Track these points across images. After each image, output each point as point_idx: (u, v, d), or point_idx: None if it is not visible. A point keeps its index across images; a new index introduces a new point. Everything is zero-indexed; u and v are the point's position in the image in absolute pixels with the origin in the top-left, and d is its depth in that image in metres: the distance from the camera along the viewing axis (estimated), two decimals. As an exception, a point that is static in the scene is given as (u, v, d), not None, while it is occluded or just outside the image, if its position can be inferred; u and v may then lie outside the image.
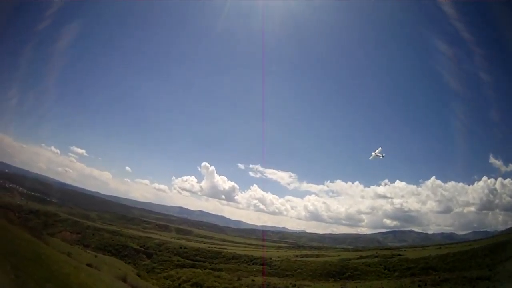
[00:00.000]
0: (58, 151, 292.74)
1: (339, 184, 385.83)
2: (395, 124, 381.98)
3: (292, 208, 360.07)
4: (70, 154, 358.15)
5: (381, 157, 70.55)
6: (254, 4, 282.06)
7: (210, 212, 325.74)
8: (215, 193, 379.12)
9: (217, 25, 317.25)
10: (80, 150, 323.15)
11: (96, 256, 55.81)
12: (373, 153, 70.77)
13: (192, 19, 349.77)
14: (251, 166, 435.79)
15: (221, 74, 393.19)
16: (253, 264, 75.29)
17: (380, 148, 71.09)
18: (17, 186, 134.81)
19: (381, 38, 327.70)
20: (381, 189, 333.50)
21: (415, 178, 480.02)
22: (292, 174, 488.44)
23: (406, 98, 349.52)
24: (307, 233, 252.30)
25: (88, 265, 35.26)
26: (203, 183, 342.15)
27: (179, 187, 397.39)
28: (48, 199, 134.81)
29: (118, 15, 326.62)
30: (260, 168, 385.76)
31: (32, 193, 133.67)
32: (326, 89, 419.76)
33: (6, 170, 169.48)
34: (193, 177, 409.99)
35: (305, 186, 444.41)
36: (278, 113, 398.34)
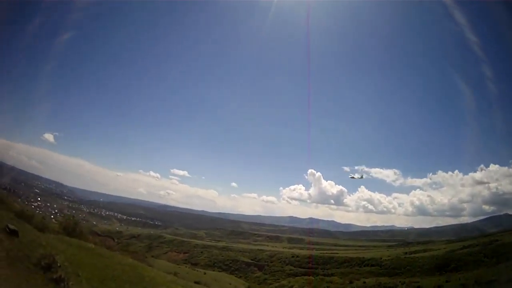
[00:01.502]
0: (158, 175, 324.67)
1: (440, 175, 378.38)
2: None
3: (399, 205, 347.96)
4: (171, 177, 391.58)
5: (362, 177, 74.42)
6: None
7: (320, 218, 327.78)
8: (323, 198, 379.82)
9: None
10: (181, 172, 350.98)
11: (205, 273, 55.64)
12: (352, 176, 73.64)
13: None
14: (356, 167, 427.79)
15: (313, 79, 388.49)
16: (364, 266, 74.17)
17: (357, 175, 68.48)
18: (115, 213, 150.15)
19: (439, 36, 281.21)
20: (478, 175, 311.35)
21: (506, 159, 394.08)
22: (397, 171, 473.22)
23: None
24: (414, 228, 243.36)
25: (197, 282, 33.37)
26: (311, 190, 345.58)
27: (288, 197, 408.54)
28: (151, 222, 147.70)
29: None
30: (366, 169, 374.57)
31: (133, 218, 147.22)
32: (416, 83, 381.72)
33: (101, 199, 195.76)
34: (300, 185, 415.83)
35: (410, 181, 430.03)
36: (373, 111, 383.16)
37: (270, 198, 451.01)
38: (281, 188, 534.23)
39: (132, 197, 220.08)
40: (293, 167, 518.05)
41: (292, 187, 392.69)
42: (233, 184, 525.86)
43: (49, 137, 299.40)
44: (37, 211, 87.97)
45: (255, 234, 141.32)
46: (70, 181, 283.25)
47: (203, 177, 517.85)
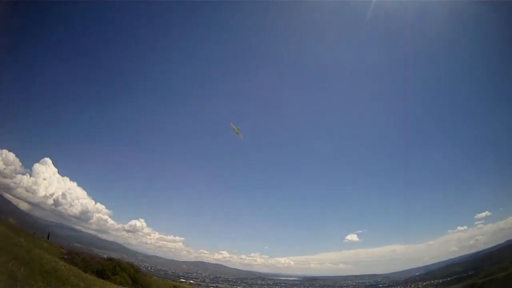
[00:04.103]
0: (465, 227, 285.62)
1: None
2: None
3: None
4: (476, 223, 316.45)
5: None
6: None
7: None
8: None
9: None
10: (483, 214, 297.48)
11: None
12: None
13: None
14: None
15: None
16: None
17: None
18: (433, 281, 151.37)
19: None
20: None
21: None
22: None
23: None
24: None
25: None
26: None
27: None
28: (465, 274, 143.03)
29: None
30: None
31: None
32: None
33: (417, 273, 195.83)
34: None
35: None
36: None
37: None
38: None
39: (445, 258, 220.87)
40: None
41: None
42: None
43: (353, 237, 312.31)
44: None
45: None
46: (383, 269, 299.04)
47: (501, 209, 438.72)
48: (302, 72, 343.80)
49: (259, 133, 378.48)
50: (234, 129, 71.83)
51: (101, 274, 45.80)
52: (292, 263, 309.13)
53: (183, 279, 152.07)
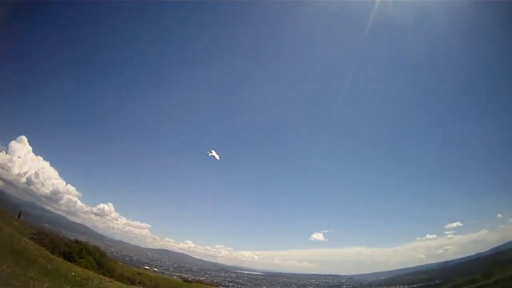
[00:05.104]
0: (435, 236, 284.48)
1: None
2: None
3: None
4: (446, 232, 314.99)
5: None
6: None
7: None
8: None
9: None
10: (454, 224, 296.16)
11: None
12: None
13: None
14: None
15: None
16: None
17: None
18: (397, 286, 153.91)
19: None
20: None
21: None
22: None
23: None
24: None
25: None
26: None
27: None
28: (432, 283, 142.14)
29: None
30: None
31: (414, 285, 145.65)
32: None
33: (382, 277, 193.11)
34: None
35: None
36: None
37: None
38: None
39: (412, 265, 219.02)
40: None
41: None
42: (499, 215, 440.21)
43: (318, 236, 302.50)
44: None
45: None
46: (348, 270, 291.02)
47: (474, 221, 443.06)
48: (300, 72, 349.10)
49: (233, 130, 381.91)
50: (210, 154, 74.83)
51: (68, 256, 46.21)
52: (256, 257, 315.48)
53: (147, 266, 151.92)
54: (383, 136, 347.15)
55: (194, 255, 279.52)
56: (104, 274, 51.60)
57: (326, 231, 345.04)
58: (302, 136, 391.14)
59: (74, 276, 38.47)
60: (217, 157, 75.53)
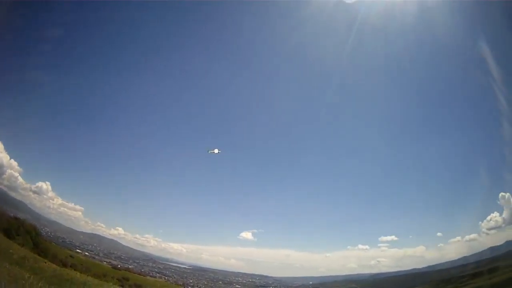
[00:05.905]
0: (367, 246, 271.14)
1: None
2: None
3: None
4: (380, 245, 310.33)
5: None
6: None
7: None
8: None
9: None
10: (389, 238, 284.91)
11: None
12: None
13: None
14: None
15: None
16: None
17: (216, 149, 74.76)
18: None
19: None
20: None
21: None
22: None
23: None
24: None
25: None
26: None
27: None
28: None
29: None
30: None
31: None
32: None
33: (310, 282, 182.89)
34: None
35: None
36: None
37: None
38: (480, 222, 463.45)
39: (343, 273, 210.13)
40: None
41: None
42: (439, 234, 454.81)
43: (247, 235, 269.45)
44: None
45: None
46: (276, 272, 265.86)
47: (410, 236, 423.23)
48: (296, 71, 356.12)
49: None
50: (209, 151, 73.85)
51: (7, 233, 48.86)
52: (184, 250, 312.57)
53: (79, 249, 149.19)
54: (329, 141, 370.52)
55: (124, 242, 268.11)
56: (38, 254, 53.98)
57: (255, 230, 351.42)
58: (244, 133, 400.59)
59: (12, 254, 42.28)
60: (216, 151, 73.82)
